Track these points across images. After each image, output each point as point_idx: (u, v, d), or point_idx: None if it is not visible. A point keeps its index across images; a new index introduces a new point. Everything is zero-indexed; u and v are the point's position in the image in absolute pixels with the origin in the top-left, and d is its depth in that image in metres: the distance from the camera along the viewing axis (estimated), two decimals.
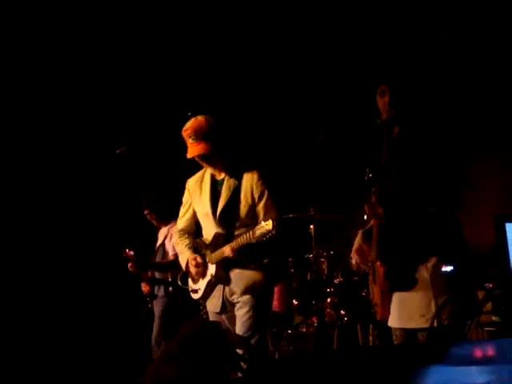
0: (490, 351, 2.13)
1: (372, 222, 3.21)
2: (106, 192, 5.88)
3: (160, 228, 5.53)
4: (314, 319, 5.22)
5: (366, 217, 5.17)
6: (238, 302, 3.55)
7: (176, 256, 5.22)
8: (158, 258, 5.43)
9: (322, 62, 6.02)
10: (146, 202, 5.44)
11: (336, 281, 5.25)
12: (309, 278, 5.44)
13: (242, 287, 3.53)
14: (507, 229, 3.73)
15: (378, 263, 3.05)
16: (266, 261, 3.57)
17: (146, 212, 5.46)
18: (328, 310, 5.17)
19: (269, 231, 3.29)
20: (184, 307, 5.00)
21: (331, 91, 6.30)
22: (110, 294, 6.02)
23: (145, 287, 5.39)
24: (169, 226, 5.39)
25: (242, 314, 3.52)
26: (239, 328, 3.51)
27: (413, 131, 3.05)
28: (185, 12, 5.58)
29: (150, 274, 5.40)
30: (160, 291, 5.31)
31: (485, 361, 2.10)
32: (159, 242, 5.48)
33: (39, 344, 5.62)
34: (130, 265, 5.26)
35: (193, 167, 3.79)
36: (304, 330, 5.31)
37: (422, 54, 5.47)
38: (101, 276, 6.00)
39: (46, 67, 5.78)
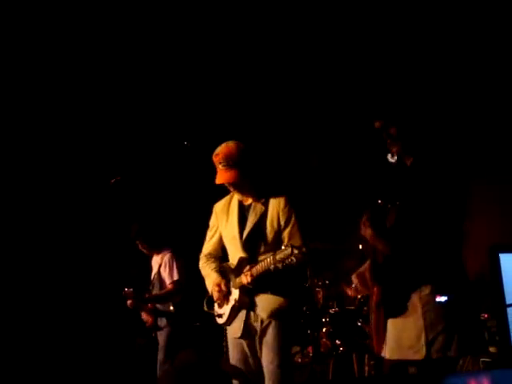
0: (485, 382, 2.13)
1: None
2: (101, 222, 5.89)
3: (151, 257, 5.50)
4: (310, 349, 5.19)
5: (360, 246, 5.19)
6: (262, 329, 3.51)
7: (173, 284, 5.24)
8: (156, 289, 5.38)
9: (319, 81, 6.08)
10: (134, 231, 5.42)
11: (331, 310, 5.24)
12: (304, 307, 5.43)
13: (268, 313, 3.50)
14: (501, 259, 3.74)
15: (374, 289, 3.02)
16: (289, 287, 3.56)
17: (137, 242, 5.44)
18: (323, 339, 5.15)
19: (287, 256, 3.29)
20: (188, 335, 5.01)
21: (323, 117, 6.34)
22: (104, 327, 5.98)
23: (146, 318, 5.35)
24: (161, 254, 5.38)
25: (268, 340, 3.49)
26: (266, 355, 3.48)
27: (425, 162, 3.01)
28: (187, 40, 5.64)
29: (150, 305, 5.34)
30: (163, 322, 5.27)
31: None
32: (154, 271, 5.44)
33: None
34: (129, 302, 5.23)
35: (189, 195, 3.81)
36: (299, 360, 5.28)
37: (420, 85, 5.52)
38: (94, 311, 5.96)
39: (39, 92, 5.81)
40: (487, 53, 5.31)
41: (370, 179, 3.11)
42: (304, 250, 3.45)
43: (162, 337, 5.26)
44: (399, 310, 2.93)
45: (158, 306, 5.33)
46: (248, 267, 3.51)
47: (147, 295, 5.36)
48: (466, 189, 3.00)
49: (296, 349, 5.34)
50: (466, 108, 5.59)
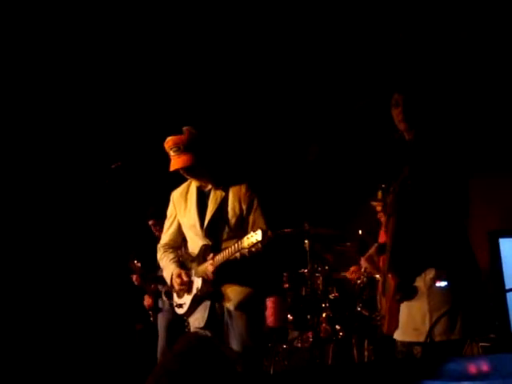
0: (484, 366, 2.13)
1: (386, 235, 3.15)
2: (103, 207, 5.88)
3: None
4: (309, 334, 5.20)
5: (360, 232, 5.18)
6: (228, 319, 3.47)
7: None
8: (161, 271, 5.40)
9: (316, 72, 6.04)
10: (152, 212, 5.38)
11: (331, 296, 5.25)
12: (304, 292, 5.43)
13: (233, 304, 3.45)
14: (501, 244, 3.76)
15: (390, 275, 3.01)
16: (254, 276, 3.50)
17: (150, 222, 5.41)
18: (323, 325, 5.16)
19: (258, 241, 3.21)
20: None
21: (324, 104, 6.31)
22: (103, 311, 5.99)
23: (147, 300, 5.37)
24: None
25: (234, 331, 3.44)
26: (236, 346, 3.40)
27: (428, 143, 3.00)
28: (174, 30, 5.60)
29: (153, 286, 5.37)
30: (165, 304, 5.29)
31: (479, 376, 2.10)
32: None
33: (37, 358, 5.59)
34: (135, 277, 5.25)
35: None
36: (299, 345, 5.29)
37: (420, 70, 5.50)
38: (92, 296, 5.97)
39: (39, 81, 5.78)
40: (488, 47, 5.29)
41: (369, 162, 3.08)
42: (270, 234, 3.37)
43: (163, 320, 5.28)
44: (407, 294, 2.94)
45: (159, 287, 5.34)
46: (211, 255, 3.42)
47: (152, 275, 5.36)
48: (467, 172, 3.00)
49: (295, 334, 5.37)
50: (471, 100, 5.57)
